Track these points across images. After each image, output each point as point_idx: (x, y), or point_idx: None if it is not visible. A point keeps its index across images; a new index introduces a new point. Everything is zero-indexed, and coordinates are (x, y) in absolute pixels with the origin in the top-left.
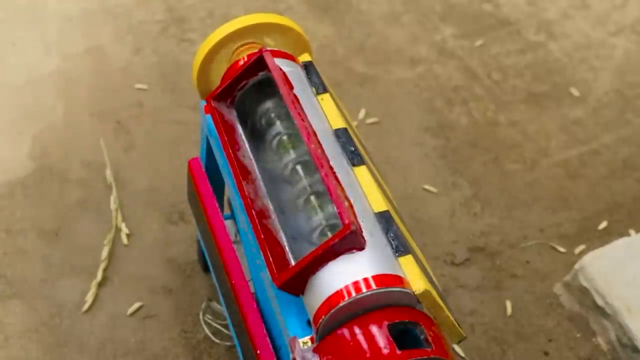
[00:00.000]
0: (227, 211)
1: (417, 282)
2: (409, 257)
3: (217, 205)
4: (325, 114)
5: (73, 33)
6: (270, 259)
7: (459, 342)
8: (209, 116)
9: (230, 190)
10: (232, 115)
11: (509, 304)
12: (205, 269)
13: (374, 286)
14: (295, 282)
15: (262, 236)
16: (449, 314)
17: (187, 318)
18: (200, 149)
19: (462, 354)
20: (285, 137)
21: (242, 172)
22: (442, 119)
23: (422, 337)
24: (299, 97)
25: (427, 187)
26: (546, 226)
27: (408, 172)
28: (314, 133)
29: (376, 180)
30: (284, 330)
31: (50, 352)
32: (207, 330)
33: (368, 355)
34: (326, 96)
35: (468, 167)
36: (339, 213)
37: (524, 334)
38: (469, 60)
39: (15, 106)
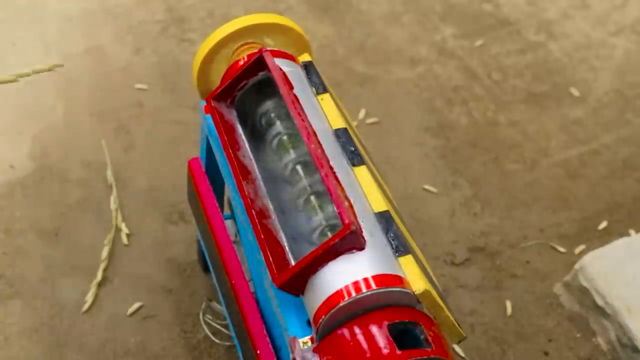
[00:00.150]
0: (227, 211)
1: (417, 282)
2: (409, 257)
3: (217, 205)
4: (325, 114)
5: (73, 33)
6: (270, 259)
7: (459, 342)
8: (209, 116)
9: (230, 190)
10: (232, 115)
11: (509, 304)
12: (205, 269)
13: (374, 286)
14: (295, 282)
15: (262, 236)
16: (449, 314)
17: (187, 318)
18: (200, 149)
19: (462, 354)
20: (285, 137)
21: (242, 172)
22: (442, 119)
23: (422, 337)
24: (299, 97)
25: (427, 187)
26: (546, 226)
27: (408, 172)
28: (314, 133)
29: (376, 180)
30: (284, 330)
31: (50, 352)
32: (207, 330)
33: (368, 355)
34: (326, 96)
35: (468, 167)
36: (339, 213)
37: (524, 334)
38: (469, 60)
39: (15, 106)
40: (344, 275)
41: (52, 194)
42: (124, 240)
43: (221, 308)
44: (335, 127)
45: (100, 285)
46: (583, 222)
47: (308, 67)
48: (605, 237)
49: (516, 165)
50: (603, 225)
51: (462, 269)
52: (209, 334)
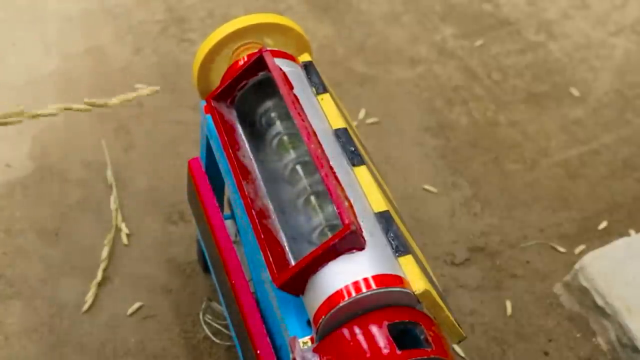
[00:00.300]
0: (227, 211)
1: (417, 282)
2: (409, 257)
3: (217, 205)
4: (325, 114)
5: (73, 33)
6: (270, 259)
7: (459, 342)
8: (209, 116)
9: (230, 190)
10: (232, 115)
11: (509, 304)
12: (205, 269)
13: (374, 286)
14: (295, 282)
15: (262, 236)
16: (449, 314)
17: (187, 318)
18: (200, 149)
19: (462, 354)
20: (285, 137)
21: (242, 172)
22: (442, 119)
23: (422, 337)
24: (299, 97)
25: (427, 187)
26: (546, 226)
27: (408, 172)
28: (314, 133)
29: (376, 180)
30: (284, 330)
31: (50, 352)
32: (207, 330)
33: (368, 355)
34: (326, 96)
35: (468, 167)
36: (339, 213)
37: (524, 334)
38: (469, 60)
39: (15, 106)
40: (344, 275)
41: (52, 194)
42: (124, 240)
43: (221, 308)
44: (335, 127)
45: (100, 285)
46: (583, 222)
47: (308, 67)
48: (605, 237)
49: (516, 165)
50: (603, 225)
51: (462, 269)
52: (209, 334)
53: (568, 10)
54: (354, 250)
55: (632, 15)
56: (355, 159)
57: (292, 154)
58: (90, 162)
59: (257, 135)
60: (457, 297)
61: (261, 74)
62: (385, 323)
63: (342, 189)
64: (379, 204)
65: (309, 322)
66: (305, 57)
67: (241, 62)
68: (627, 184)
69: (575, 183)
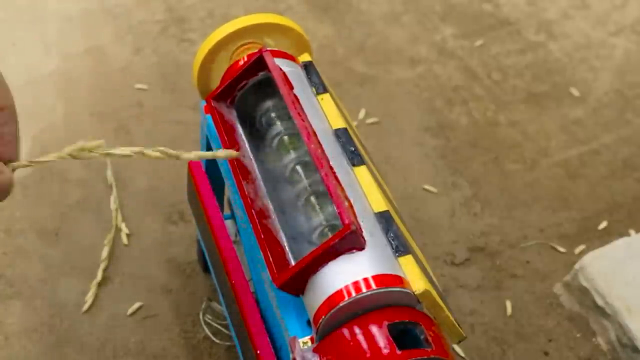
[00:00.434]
0: (227, 211)
1: (417, 282)
2: (409, 257)
3: (217, 205)
4: (325, 114)
5: (73, 33)
6: (270, 259)
7: (459, 342)
8: (209, 116)
9: (230, 190)
10: (232, 115)
11: (509, 304)
12: (205, 269)
13: (374, 286)
14: (295, 282)
15: (262, 236)
16: (449, 314)
17: (187, 318)
18: (200, 149)
19: (462, 354)
20: (285, 137)
21: (242, 172)
22: (442, 119)
23: (422, 337)
24: (299, 97)
25: (427, 187)
26: (546, 226)
27: (408, 172)
28: (314, 133)
29: (376, 180)
30: (284, 330)
31: (50, 352)
32: (207, 330)
33: (368, 355)
34: (326, 96)
35: (468, 167)
36: (339, 213)
37: (524, 334)
38: (469, 60)
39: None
40: (344, 275)
41: (52, 194)
42: (124, 240)
43: (221, 308)
44: (335, 127)
45: (100, 285)
46: (583, 222)
47: (308, 67)
48: (605, 237)
49: (516, 165)
50: (603, 225)
51: (462, 269)
52: (209, 334)
53: (568, 10)
54: (354, 250)
55: (632, 15)
56: (355, 159)
57: (292, 154)
58: (90, 162)
59: (257, 135)
60: (457, 297)
61: (261, 74)
62: (385, 323)
63: (342, 189)
64: (379, 204)
65: (309, 322)
66: (305, 57)
67: (241, 62)
68: (627, 184)
69: (575, 183)
